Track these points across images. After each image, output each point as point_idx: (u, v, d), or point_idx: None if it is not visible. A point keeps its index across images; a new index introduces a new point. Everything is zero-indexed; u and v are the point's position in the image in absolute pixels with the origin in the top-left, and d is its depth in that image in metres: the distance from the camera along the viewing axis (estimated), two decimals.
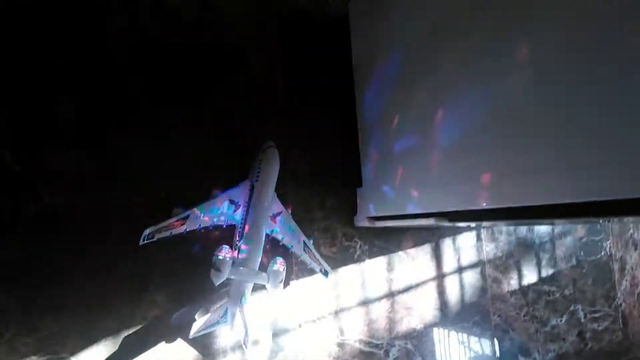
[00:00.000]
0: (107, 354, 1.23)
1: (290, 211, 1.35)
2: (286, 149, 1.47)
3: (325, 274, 1.37)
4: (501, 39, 0.94)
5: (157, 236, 1.13)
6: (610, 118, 0.74)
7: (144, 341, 1.27)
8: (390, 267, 1.61)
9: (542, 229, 1.89)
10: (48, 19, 1.23)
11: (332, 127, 1.57)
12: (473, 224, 1.66)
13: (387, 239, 1.61)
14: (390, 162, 1.40)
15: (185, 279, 1.32)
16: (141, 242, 1.10)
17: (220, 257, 1.18)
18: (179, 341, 1.30)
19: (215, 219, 1.24)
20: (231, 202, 1.26)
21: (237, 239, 1.26)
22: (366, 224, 1.52)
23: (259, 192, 1.27)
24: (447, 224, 1.25)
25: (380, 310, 1.58)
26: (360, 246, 1.58)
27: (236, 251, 1.23)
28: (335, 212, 1.56)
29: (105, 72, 1.29)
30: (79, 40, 1.26)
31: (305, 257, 1.36)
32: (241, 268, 1.21)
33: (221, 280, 1.18)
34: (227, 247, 1.20)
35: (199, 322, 1.24)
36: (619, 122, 0.73)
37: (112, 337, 1.24)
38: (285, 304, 1.44)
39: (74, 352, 1.20)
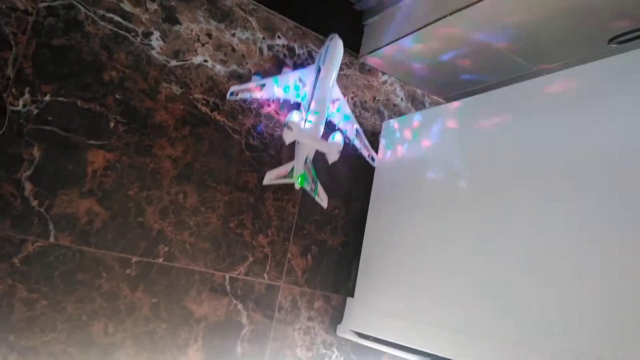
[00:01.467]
0: None
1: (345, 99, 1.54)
2: (289, 241, 1.50)
3: (372, 160, 1.60)
4: None
5: (240, 95, 1.36)
6: None
7: None
8: None
9: None
10: None
11: (341, 228, 1.61)
12: None
13: (364, 357, 1.58)
14: (388, 284, 1.43)
15: None
16: (228, 97, 1.35)
17: (292, 119, 1.37)
18: None
19: (286, 93, 1.44)
20: (299, 80, 1.45)
21: (304, 110, 1.44)
22: (348, 336, 1.50)
23: (326, 73, 1.42)
24: None
25: None
26: (337, 357, 1.55)
27: (304, 118, 1.42)
28: (320, 317, 1.54)
29: None
30: None
31: (356, 142, 1.56)
32: (308, 132, 1.40)
33: (291, 140, 1.38)
34: (296, 111, 1.40)
35: (271, 174, 1.43)
36: None
37: None
38: None
39: None
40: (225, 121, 1.41)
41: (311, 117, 1.41)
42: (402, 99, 1.81)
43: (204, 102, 1.37)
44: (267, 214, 1.46)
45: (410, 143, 1.54)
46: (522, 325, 1.02)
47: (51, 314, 1.14)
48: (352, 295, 1.55)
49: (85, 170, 1.20)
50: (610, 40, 1.21)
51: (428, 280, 1.31)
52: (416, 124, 1.56)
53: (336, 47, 1.43)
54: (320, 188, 1.49)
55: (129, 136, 1.25)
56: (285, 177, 1.44)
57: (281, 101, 1.49)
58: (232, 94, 1.35)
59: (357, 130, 1.55)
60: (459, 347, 1.15)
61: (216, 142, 1.39)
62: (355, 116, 1.63)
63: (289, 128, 1.35)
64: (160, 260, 1.28)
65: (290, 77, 1.44)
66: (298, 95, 1.46)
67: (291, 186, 1.47)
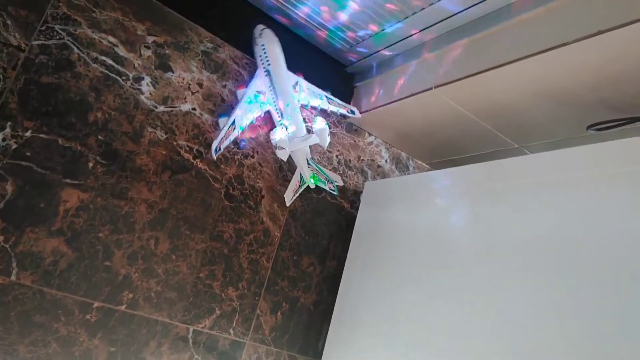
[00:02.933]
0: None
1: (302, 76, 1.50)
2: (260, 296, 1.47)
3: (352, 112, 1.60)
4: None
5: (222, 146, 1.34)
6: None
7: None
8: None
9: None
10: None
11: (315, 286, 1.58)
12: None
13: None
14: (359, 348, 1.39)
15: None
16: (215, 156, 1.34)
17: (277, 139, 1.38)
18: None
19: (254, 111, 1.42)
20: (258, 92, 1.42)
21: (279, 118, 1.45)
22: None
23: (277, 72, 1.42)
24: None
25: None
26: None
27: (283, 128, 1.42)
28: None
29: None
30: None
31: (333, 108, 1.56)
32: (295, 139, 1.40)
33: (287, 155, 1.40)
34: (276, 128, 1.41)
35: (288, 193, 1.51)
36: None
37: None
38: None
39: None
40: (207, 169, 1.40)
41: (286, 122, 1.43)
42: (386, 161, 1.83)
43: (187, 148, 1.37)
44: (240, 267, 1.44)
45: (390, 207, 1.54)
46: None
47: (2, 355, 1.08)
48: (319, 359, 1.49)
49: (57, 209, 1.17)
50: (589, 127, 1.24)
51: (402, 346, 1.27)
52: (398, 188, 1.57)
53: (272, 42, 1.42)
54: (329, 173, 1.53)
55: (107, 177, 1.24)
56: (300, 186, 1.50)
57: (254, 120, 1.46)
58: (216, 150, 1.34)
59: (326, 97, 1.54)
60: None
61: (195, 189, 1.38)
62: (340, 174, 1.65)
63: (281, 148, 1.37)
64: (123, 307, 1.24)
65: (248, 94, 1.40)
66: (262, 104, 1.44)
67: (267, 241, 1.46)
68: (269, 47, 1.42)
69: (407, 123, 1.64)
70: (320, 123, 1.46)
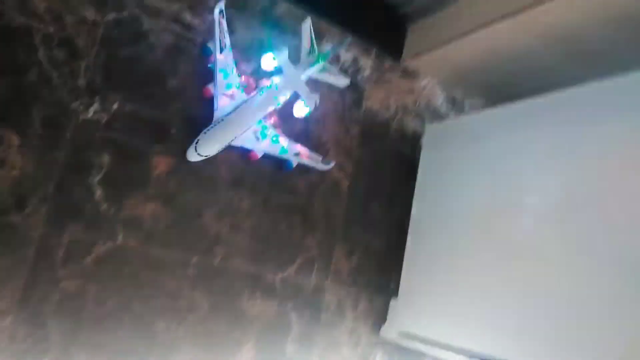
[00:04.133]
0: None
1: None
2: (336, 243, 1.54)
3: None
4: None
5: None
6: None
7: None
8: None
9: None
10: None
11: (384, 230, 1.64)
12: None
13: (408, 358, 1.62)
14: (432, 284, 1.46)
15: None
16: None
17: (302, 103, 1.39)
18: None
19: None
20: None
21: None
22: (392, 337, 1.54)
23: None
24: None
25: None
26: (381, 357, 1.59)
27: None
28: (365, 317, 1.58)
29: None
30: None
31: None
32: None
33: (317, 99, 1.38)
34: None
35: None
36: None
37: None
38: None
39: None
40: None
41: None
42: (442, 103, 1.83)
43: None
44: (315, 216, 1.50)
45: (453, 148, 1.56)
46: (569, 325, 1.05)
47: (119, 312, 1.20)
48: (395, 296, 1.58)
49: (150, 175, 1.25)
50: None
51: (475, 280, 1.34)
52: (459, 129, 1.59)
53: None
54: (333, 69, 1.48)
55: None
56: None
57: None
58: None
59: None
60: (506, 345, 1.18)
61: None
62: (398, 119, 1.67)
63: (314, 102, 1.38)
64: (217, 260, 1.33)
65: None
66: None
67: (337, 190, 1.52)
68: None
69: (468, 60, 1.62)
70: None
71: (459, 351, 1.30)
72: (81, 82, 1.18)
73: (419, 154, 1.67)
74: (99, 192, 1.18)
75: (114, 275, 1.20)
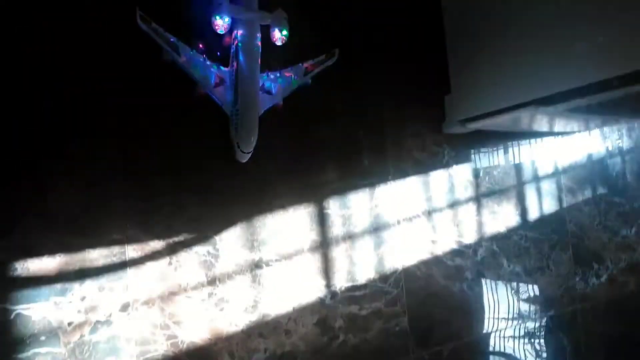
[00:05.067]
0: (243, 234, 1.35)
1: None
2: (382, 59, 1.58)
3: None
4: None
5: None
6: None
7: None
8: (475, 173, 1.71)
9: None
10: None
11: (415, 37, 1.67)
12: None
13: (473, 147, 1.70)
14: (484, 71, 1.50)
15: None
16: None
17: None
18: None
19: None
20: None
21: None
22: (456, 128, 1.61)
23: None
24: (547, 107, 1.34)
25: (467, 214, 1.68)
26: (448, 152, 1.67)
27: None
28: (424, 118, 1.64)
29: None
30: None
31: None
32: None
33: None
34: None
35: None
36: None
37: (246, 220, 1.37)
38: None
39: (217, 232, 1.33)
40: None
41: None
42: None
43: None
44: None
45: None
46: None
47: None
48: (449, 92, 1.63)
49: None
50: None
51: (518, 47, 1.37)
52: None
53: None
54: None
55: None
56: None
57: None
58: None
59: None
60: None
61: None
62: None
63: (282, 19, 1.22)
64: None
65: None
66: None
67: None
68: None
69: None
70: None
71: (526, 105, 1.36)
72: None
73: None
74: None
75: None
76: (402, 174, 1.59)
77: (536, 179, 1.82)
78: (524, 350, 1.72)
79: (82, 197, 1.19)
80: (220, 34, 1.20)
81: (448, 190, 1.66)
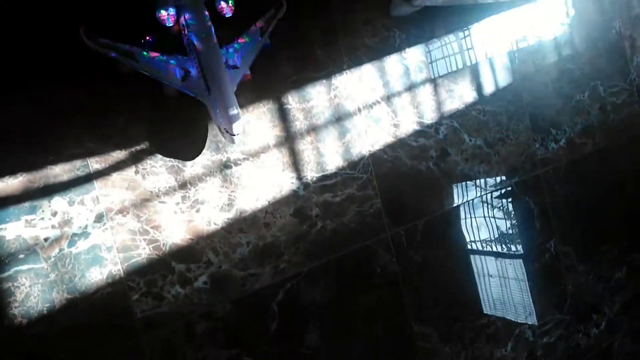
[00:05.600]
0: None
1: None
2: None
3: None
4: None
5: None
6: None
7: None
8: (428, 54, 1.72)
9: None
10: None
11: None
12: None
13: (422, 28, 1.70)
14: None
15: None
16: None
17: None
18: None
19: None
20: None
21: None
22: (403, 9, 1.60)
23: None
24: None
25: (425, 95, 1.71)
26: (399, 35, 1.67)
27: None
28: (372, 4, 1.63)
29: None
30: None
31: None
32: None
33: None
34: None
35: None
36: None
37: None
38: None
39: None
40: None
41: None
42: None
43: None
44: None
45: None
46: None
47: None
48: None
49: None
50: None
51: None
52: None
53: None
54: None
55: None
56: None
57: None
58: None
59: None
60: None
61: None
62: None
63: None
64: None
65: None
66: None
67: None
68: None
69: None
70: None
71: None
72: None
73: None
74: None
75: None
76: (357, 62, 1.60)
77: (488, 54, 1.85)
78: (494, 216, 1.81)
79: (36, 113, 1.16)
80: (169, 26, 1.17)
81: (403, 73, 1.68)
